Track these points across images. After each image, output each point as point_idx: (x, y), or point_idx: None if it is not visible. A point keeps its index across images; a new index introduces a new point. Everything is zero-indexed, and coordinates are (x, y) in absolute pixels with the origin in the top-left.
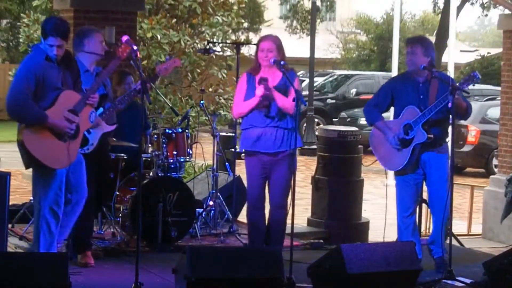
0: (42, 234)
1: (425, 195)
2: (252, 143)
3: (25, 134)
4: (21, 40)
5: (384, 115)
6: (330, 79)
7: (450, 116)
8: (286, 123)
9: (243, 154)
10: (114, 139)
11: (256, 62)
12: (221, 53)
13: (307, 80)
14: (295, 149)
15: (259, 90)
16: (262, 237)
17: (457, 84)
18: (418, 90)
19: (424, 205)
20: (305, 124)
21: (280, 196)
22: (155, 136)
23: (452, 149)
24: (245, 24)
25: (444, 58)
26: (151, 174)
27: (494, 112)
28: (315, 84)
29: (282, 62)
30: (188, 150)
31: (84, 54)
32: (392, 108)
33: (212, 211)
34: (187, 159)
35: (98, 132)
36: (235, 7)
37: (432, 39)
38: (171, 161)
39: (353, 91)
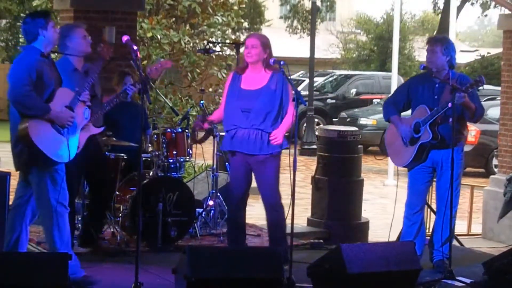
0: (57, 232)
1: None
2: (235, 144)
3: (30, 127)
4: (21, 40)
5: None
6: (330, 79)
7: (465, 116)
8: (271, 128)
9: None
10: (114, 139)
11: (244, 60)
12: (221, 53)
13: (307, 80)
14: (280, 152)
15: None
16: (244, 239)
17: (463, 88)
18: (433, 90)
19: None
20: (305, 124)
21: (270, 198)
22: (155, 136)
23: (452, 150)
24: (246, 24)
25: None
26: (151, 174)
27: (494, 112)
28: (315, 84)
29: (282, 62)
30: (188, 150)
31: (69, 54)
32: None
33: (212, 211)
34: (187, 159)
35: (84, 134)
36: (235, 7)
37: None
38: (171, 161)
39: (353, 91)
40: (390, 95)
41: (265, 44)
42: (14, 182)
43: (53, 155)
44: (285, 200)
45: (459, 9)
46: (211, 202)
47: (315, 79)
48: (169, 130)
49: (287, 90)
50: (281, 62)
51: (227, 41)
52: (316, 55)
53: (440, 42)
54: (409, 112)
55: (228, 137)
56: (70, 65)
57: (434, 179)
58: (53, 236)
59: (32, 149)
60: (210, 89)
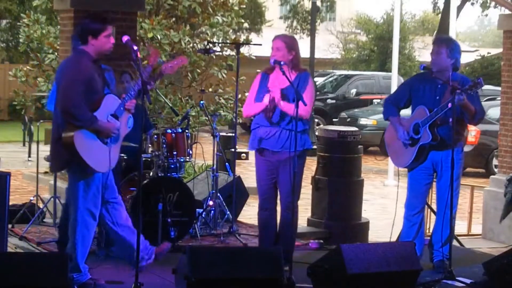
0: (80, 237)
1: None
2: (258, 141)
3: (76, 138)
4: (21, 40)
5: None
6: (330, 79)
7: (464, 118)
8: (292, 126)
9: (243, 155)
10: None
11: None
12: (221, 53)
13: None
14: (304, 151)
15: (266, 98)
16: (272, 238)
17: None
18: (435, 90)
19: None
20: None
21: (286, 198)
22: (155, 136)
23: (453, 150)
24: (246, 25)
25: None
26: (151, 174)
27: (494, 112)
28: None
29: (281, 63)
30: (188, 150)
31: None
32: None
33: (212, 211)
34: (187, 159)
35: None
36: (235, 7)
37: (432, 39)
38: (171, 161)
39: (353, 91)
40: (391, 93)
41: (290, 46)
42: (14, 182)
43: (95, 166)
44: None
45: (459, 9)
46: (211, 202)
47: (315, 79)
48: (169, 130)
49: (305, 88)
50: (281, 63)
51: (228, 41)
52: (316, 55)
53: (445, 43)
54: (408, 111)
55: (252, 136)
56: None
57: (434, 180)
58: (75, 243)
59: (74, 157)
60: (210, 89)
